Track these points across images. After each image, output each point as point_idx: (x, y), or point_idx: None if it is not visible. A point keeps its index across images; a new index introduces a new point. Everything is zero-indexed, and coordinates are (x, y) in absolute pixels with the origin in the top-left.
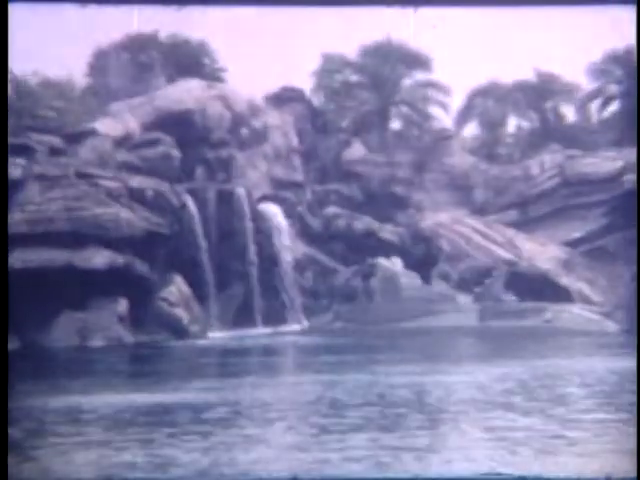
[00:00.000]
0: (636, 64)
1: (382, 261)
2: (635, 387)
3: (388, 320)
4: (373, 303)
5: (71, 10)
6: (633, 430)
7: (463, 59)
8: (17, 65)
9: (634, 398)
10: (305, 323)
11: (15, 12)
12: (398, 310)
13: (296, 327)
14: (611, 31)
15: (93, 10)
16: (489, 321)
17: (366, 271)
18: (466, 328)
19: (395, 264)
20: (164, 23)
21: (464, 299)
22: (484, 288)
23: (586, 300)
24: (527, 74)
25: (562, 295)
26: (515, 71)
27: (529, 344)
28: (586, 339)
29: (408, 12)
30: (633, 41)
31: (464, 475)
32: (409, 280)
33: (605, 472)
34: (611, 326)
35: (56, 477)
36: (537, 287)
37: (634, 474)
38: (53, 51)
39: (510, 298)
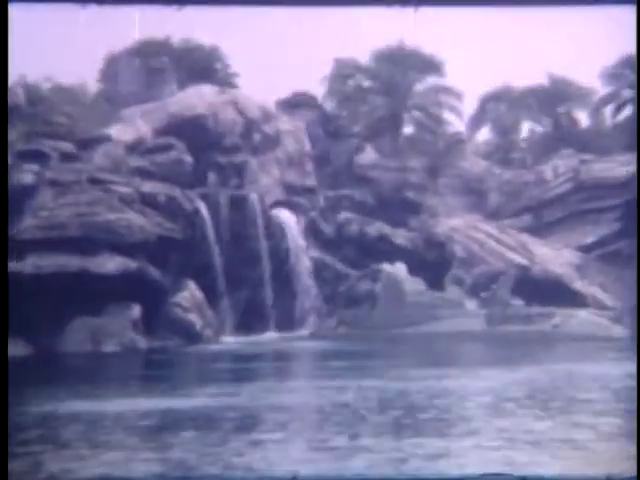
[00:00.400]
0: (636, 64)
1: (386, 267)
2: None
3: (393, 326)
4: (377, 308)
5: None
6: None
7: (475, 64)
8: (29, 70)
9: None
10: (316, 328)
11: (15, 12)
12: (402, 316)
13: (306, 332)
14: (622, 33)
15: (94, 11)
16: (497, 326)
17: (370, 276)
18: (474, 333)
19: (399, 270)
20: (175, 27)
21: (470, 304)
22: (491, 293)
23: (599, 305)
24: (540, 78)
25: (575, 300)
26: (528, 75)
27: (538, 349)
28: (596, 344)
29: (411, 13)
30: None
31: (464, 475)
32: (413, 285)
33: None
34: (620, 331)
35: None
36: (549, 292)
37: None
38: (60, 55)
39: (517, 303)
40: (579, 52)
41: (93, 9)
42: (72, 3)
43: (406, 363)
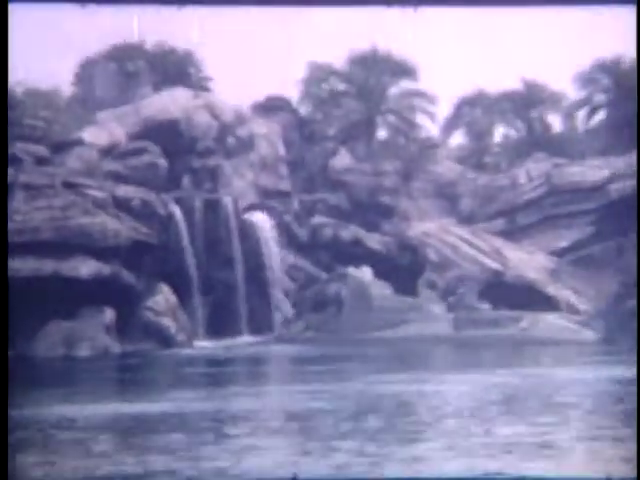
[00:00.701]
0: (636, 64)
1: (352, 271)
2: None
3: (360, 330)
4: (343, 312)
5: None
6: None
7: (450, 68)
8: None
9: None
10: (283, 331)
11: (15, 12)
12: (369, 320)
13: (278, 334)
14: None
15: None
16: (464, 330)
17: (336, 281)
18: (441, 337)
19: (365, 273)
20: (149, 30)
21: (437, 308)
22: (457, 297)
23: (572, 309)
24: (514, 83)
25: (548, 304)
26: (502, 80)
27: (507, 353)
28: (566, 348)
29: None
30: (631, 42)
31: (464, 475)
32: (380, 290)
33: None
34: (589, 335)
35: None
36: (522, 296)
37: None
38: (35, 58)
39: (484, 307)
40: (553, 56)
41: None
42: (64, 3)
43: (379, 368)
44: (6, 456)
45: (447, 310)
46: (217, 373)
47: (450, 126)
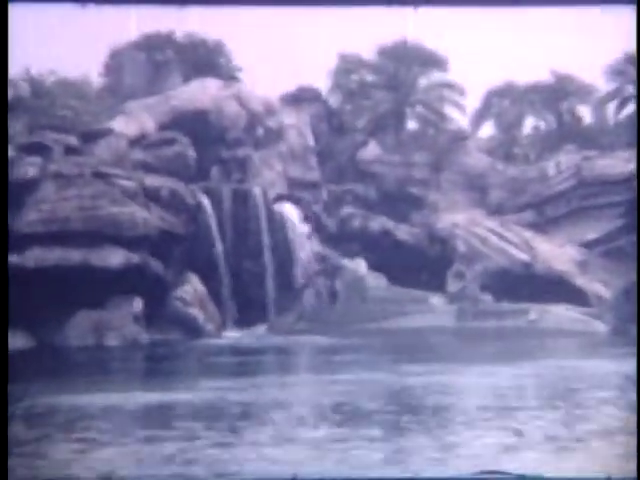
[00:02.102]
0: (636, 64)
1: (347, 262)
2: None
3: (363, 321)
4: (338, 304)
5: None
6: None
7: (479, 59)
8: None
9: None
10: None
11: (15, 12)
12: (365, 311)
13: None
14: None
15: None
16: (470, 322)
17: (330, 272)
18: (449, 329)
19: (359, 265)
20: (178, 23)
21: (436, 300)
22: (459, 289)
23: (600, 301)
24: (544, 75)
25: (574, 296)
26: (532, 71)
27: (523, 344)
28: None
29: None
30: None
31: (464, 475)
32: (375, 281)
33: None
34: (600, 326)
35: (59, 476)
36: (552, 288)
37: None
38: (65, 48)
39: (486, 298)
40: (583, 48)
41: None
42: (64, 3)
43: (401, 358)
44: (6, 456)
45: (448, 302)
46: (245, 362)
47: (479, 118)
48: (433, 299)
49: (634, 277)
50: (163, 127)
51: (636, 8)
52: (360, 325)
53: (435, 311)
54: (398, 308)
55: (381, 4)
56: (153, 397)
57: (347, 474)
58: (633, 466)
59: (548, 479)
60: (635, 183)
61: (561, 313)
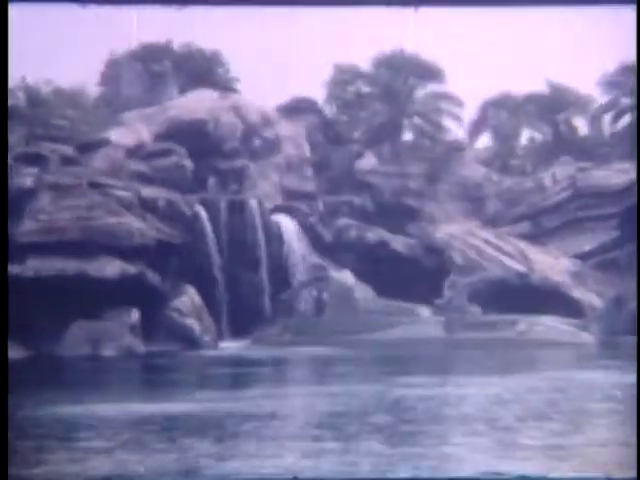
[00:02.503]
0: (636, 64)
1: (333, 274)
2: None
3: (348, 332)
4: (325, 316)
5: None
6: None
7: (476, 70)
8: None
9: None
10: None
11: (15, 13)
12: (353, 323)
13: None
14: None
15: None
16: (458, 333)
17: (316, 284)
18: (436, 340)
19: (346, 277)
20: (175, 30)
21: (424, 311)
22: (445, 300)
23: (596, 312)
24: (540, 86)
25: (569, 307)
26: (528, 83)
27: (515, 355)
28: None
29: (411, 18)
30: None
31: (464, 475)
32: (362, 293)
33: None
34: (587, 337)
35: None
36: (546, 299)
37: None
38: (60, 58)
39: (474, 309)
40: (579, 60)
41: (93, 10)
42: (72, 3)
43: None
44: (6, 456)
45: (434, 314)
46: (241, 374)
47: (476, 129)
48: (421, 310)
49: (624, 289)
50: (160, 138)
51: (636, 8)
52: (348, 336)
53: (422, 322)
54: (385, 319)
55: (380, 4)
56: (148, 408)
57: (347, 474)
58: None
59: (549, 479)
60: (633, 193)
61: (549, 324)
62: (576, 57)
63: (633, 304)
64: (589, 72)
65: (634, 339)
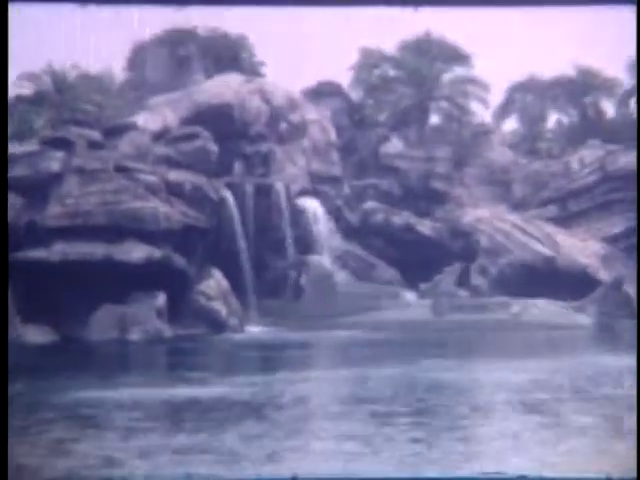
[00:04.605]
0: (636, 64)
1: (312, 258)
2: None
3: (327, 315)
4: (305, 299)
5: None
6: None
7: (502, 54)
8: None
9: None
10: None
11: (15, 12)
12: (335, 306)
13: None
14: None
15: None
16: (450, 316)
17: (294, 268)
18: (422, 323)
19: (324, 261)
20: (201, 20)
21: (409, 295)
22: (432, 284)
23: (624, 296)
24: (567, 69)
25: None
26: (555, 66)
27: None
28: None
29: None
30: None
31: (464, 475)
32: (340, 277)
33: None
34: (583, 319)
35: (59, 474)
36: (575, 282)
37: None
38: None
39: (462, 294)
40: (606, 42)
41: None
42: (64, 3)
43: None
44: (6, 456)
45: (419, 297)
46: (267, 358)
47: (503, 112)
48: (408, 294)
49: (623, 272)
50: (186, 122)
51: (636, 8)
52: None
53: (411, 306)
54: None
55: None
56: (176, 392)
57: (347, 474)
58: None
59: (549, 479)
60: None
61: (544, 306)
62: (603, 40)
63: (632, 287)
64: (617, 55)
65: (632, 322)
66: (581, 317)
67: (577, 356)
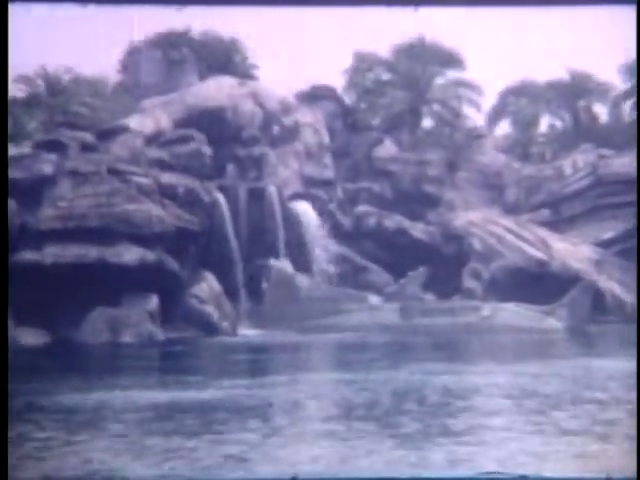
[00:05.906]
0: (636, 64)
1: (273, 262)
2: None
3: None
4: (266, 304)
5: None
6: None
7: (496, 58)
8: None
9: None
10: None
11: (15, 12)
12: (300, 311)
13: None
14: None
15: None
16: (417, 319)
17: (254, 272)
18: (392, 327)
19: (285, 265)
20: (195, 22)
21: (373, 299)
22: (397, 288)
23: (617, 300)
24: (560, 73)
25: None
26: (548, 70)
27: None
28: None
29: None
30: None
31: (464, 475)
32: (302, 281)
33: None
34: (553, 323)
35: (56, 475)
36: (568, 286)
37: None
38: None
39: (428, 297)
40: (599, 47)
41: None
42: (64, 3)
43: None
44: (6, 455)
45: (384, 301)
46: (259, 361)
47: (496, 116)
48: (373, 298)
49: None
50: (179, 125)
51: (636, 8)
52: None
53: (377, 309)
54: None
55: (381, 4)
56: (167, 395)
57: (347, 474)
58: None
59: (549, 479)
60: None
61: (513, 309)
62: (596, 44)
63: (623, 290)
64: (609, 59)
65: (603, 327)
66: (551, 321)
67: (545, 359)
